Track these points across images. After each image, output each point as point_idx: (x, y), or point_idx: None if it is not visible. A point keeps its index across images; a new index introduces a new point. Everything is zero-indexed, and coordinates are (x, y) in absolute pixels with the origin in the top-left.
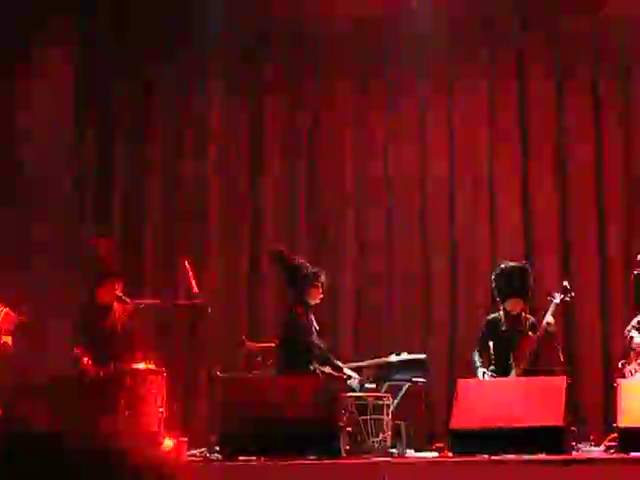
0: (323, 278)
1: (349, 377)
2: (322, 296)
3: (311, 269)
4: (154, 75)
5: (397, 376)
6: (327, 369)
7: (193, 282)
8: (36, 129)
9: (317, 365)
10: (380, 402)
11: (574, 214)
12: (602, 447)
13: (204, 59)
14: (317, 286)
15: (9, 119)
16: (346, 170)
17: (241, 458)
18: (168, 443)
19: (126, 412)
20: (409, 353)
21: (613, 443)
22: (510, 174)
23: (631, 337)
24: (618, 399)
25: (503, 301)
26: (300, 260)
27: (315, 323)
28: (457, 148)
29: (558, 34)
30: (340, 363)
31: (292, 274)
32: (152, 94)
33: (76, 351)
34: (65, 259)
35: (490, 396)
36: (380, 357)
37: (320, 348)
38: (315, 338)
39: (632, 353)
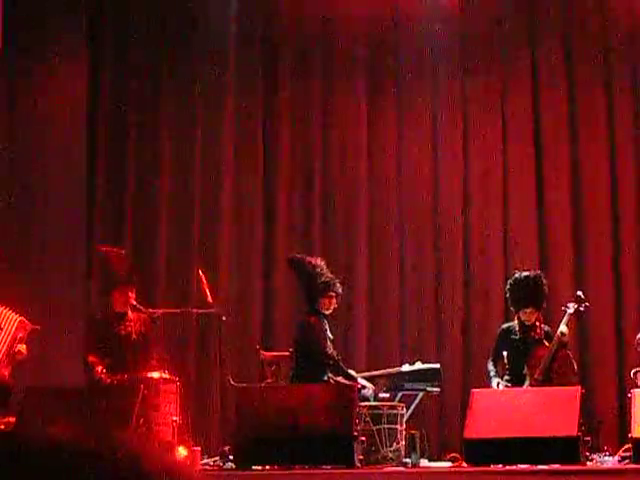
0: (338, 288)
1: (363, 387)
2: (336, 306)
3: (327, 278)
4: (163, 76)
5: (411, 386)
6: (340, 379)
7: (208, 291)
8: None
9: (331, 375)
10: (394, 412)
11: (589, 219)
12: (616, 457)
13: (214, 58)
14: (331, 296)
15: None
16: (359, 171)
17: (254, 468)
18: (182, 452)
19: (140, 421)
20: (423, 362)
21: (627, 454)
22: (525, 181)
23: None
24: (632, 409)
25: (517, 311)
26: (318, 268)
27: (329, 332)
28: (470, 153)
29: (571, 33)
30: (354, 373)
31: (307, 283)
32: (161, 94)
33: (90, 359)
34: (75, 267)
35: (504, 406)
36: (394, 367)
37: (334, 358)
38: (329, 348)
39: None
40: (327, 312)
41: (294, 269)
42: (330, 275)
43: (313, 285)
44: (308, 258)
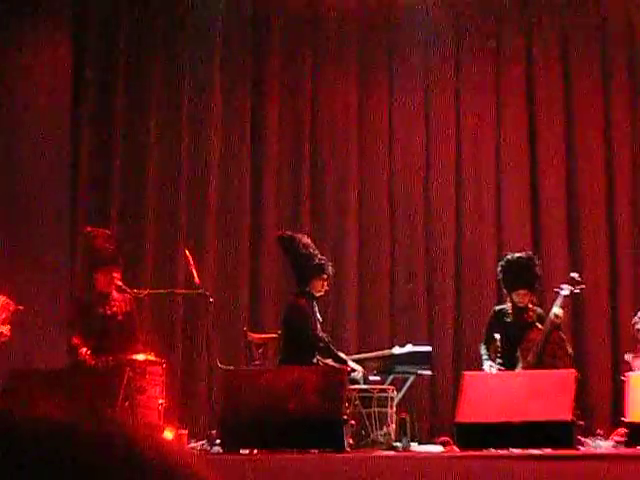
0: (330, 270)
1: (353, 370)
2: (327, 288)
3: (318, 259)
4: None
5: (402, 368)
6: (330, 362)
7: (194, 272)
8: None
9: (320, 358)
10: (384, 395)
11: (583, 202)
12: (610, 442)
13: (203, 44)
14: (323, 278)
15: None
16: (350, 154)
17: (242, 452)
18: (168, 435)
19: (125, 403)
20: (414, 345)
21: (621, 438)
22: (518, 159)
23: (638, 329)
24: (626, 393)
25: (510, 292)
26: (310, 248)
27: (318, 314)
28: (463, 135)
29: (565, 23)
30: (344, 355)
31: (298, 263)
32: (149, 77)
33: (74, 341)
34: (59, 248)
35: (497, 389)
36: (384, 349)
37: (323, 340)
38: (318, 330)
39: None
40: (318, 294)
41: (284, 248)
42: (321, 256)
43: (305, 266)
44: (299, 236)
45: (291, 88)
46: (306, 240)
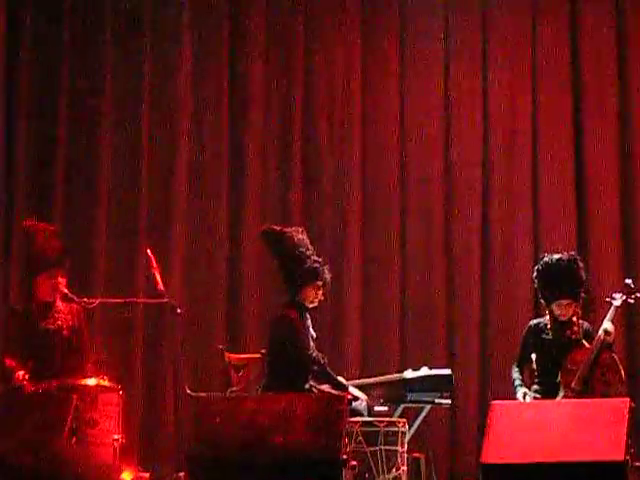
0: (327, 275)
1: (355, 398)
2: (322, 298)
3: (312, 262)
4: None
5: (415, 397)
6: (326, 387)
7: (158, 276)
8: None
9: (314, 383)
10: (393, 429)
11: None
12: None
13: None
14: (317, 286)
15: None
16: (352, 133)
17: None
18: (126, 479)
19: (72, 439)
20: (430, 368)
21: None
22: (559, 136)
23: None
24: None
25: (549, 303)
26: (302, 247)
27: (312, 330)
28: (492, 105)
29: None
30: (344, 380)
31: (287, 266)
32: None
33: (8, 363)
34: None
35: (532, 423)
36: (393, 373)
37: (319, 362)
38: (312, 349)
39: None
40: (311, 305)
41: (270, 246)
42: (316, 257)
43: (295, 270)
44: (290, 232)
45: (279, 42)
46: (299, 237)
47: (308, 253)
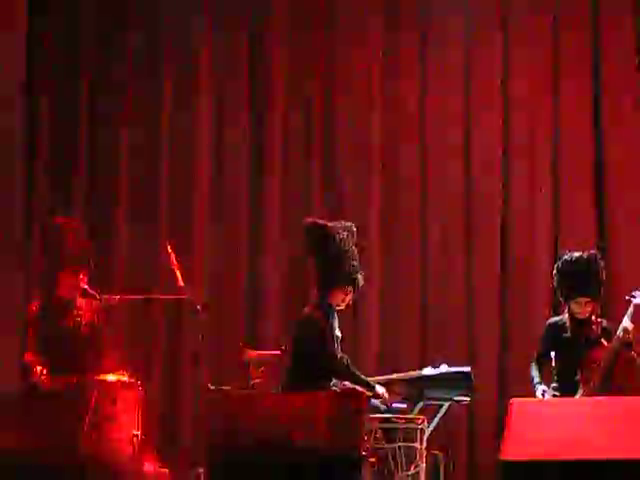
0: (360, 281)
1: (377, 395)
2: (349, 303)
3: (350, 265)
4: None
5: (434, 394)
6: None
7: (178, 273)
8: None
9: (338, 382)
10: (412, 426)
11: None
12: None
13: None
14: (347, 291)
15: None
16: (372, 123)
17: None
18: (144, 475)
19: (91, 435)
20: (449, 365)
21: None
22: (580, 126)
23: None
24: None
25: (568, 301)
26: (344, 248)
27: (338, 330)
28: (512, 99)
29: None
30: (368, 379)
31: (324, 265)
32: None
33: (27, 358)
34: (9, 245)
35: (552, 421)
36: (412, 370)
37: (344, 364)
38: (337, 350)
39: None
40: (338, 307)
41: (311, 242)
42: (355, 261)
43: (330, 272)
44: (333, 229)
45: (303, 41)
46: (342, 236)
47: (347, 256)
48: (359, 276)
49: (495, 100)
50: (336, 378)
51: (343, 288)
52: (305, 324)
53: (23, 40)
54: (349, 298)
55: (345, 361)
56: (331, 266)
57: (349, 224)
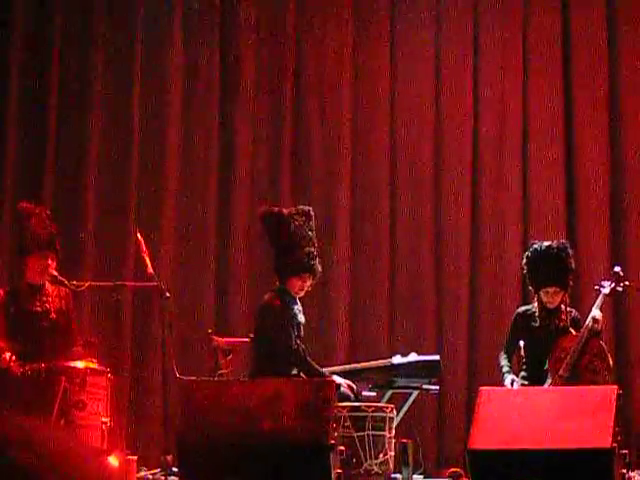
0: (317, 268)
1: (339, 385)
2: (309, 290)
3: (304, 253)
4: None
5: (403, 382)
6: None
7: (147, 260)
8: None
9: (298, 370)
10: (381, 415)
11: (631, 178)
12: None
13: None
14: (304, 278)
15: None
16: (343, 115)
17: None
18: (113, 462)
19: (60, 422)
20: (418, 354)
21: None
22: (550, 122)
23: None
24: None
25: (537, 290)
26: (298, 234)
27: (301, 315)
28: (482, 90)
29: None
30: (324, 370)
31: (279, 253)
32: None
33: None
34: None
35: (520, 409)
36: (382, 358)
37: (301, 355)
38: (294, 340)
39: None
40: (297, 295)
41: (266, 230)
42: (311, 247)
43: (284, 258)
44: (287, 215)
45: (271, 25)
46: (299, 222)
47: (302, 242)
48: (316, 262)
49: (466, 83)
50: (291, 368)
51: (299, 275)
52: (264, 312)
53: None
54: (308, 285)
55: (302, 352)
56: (285, 254)
57: (307, 208)
